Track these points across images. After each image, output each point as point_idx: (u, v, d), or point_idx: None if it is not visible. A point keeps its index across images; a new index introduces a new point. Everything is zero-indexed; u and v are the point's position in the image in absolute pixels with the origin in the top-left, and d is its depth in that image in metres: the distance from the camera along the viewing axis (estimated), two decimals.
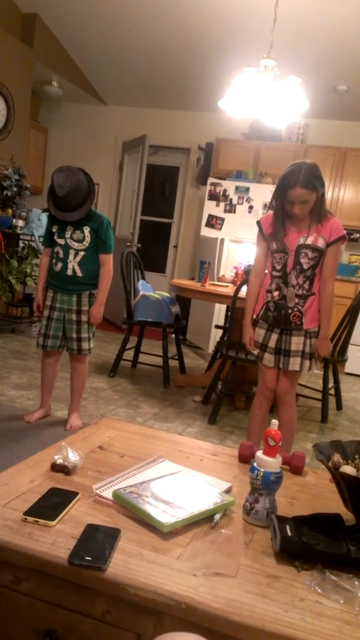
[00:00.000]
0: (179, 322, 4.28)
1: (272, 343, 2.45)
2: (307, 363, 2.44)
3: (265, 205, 5.59)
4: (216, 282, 4.27)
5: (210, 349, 5.58)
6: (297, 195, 2.23)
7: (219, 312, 5.53)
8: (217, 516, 1.17)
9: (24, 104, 5.57)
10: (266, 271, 2.51)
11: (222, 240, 5.74)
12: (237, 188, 5.76)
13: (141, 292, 4.17)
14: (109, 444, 1.54)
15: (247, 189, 5.73)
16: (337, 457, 1.26)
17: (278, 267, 2.41)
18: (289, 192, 2.24)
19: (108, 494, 1.19)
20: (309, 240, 2.33)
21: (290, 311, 2.38)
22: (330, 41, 4.69)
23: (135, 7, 4.83)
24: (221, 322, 5.62)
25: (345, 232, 2.39)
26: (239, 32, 4.80)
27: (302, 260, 2.35)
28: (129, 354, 4.43)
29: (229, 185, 5.79)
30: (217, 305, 5.45)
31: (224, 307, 5.55)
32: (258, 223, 2.49)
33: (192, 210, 6.68)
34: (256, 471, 1.19)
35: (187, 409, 3.60)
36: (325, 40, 4.69)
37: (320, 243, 2.34)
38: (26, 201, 5.28)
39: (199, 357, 5.41)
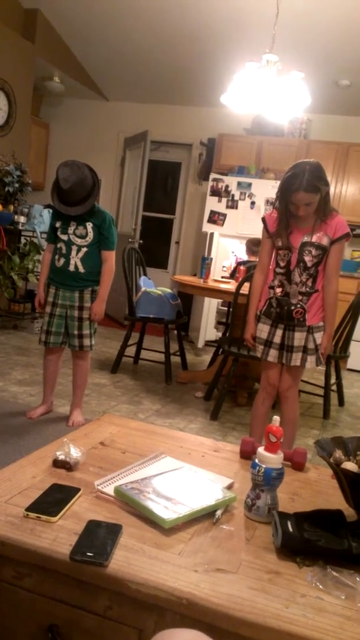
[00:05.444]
0: (180, 318, 4.28)
1: (277, 339, 2.44)
2: (311, 359, 2.44)
3: (267, 201, 5.58)
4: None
5: (201, 344, 5.59)
6: (301, 199, 2.23)
7: (209, 308, 5.54)
8: (219, 512, 1.17)
9: (25, 99, 5.56)
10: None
11: (212, 234, 5.74)
12: (239, 184, 5.74)
13: (143, 289, 4.17)
14: (110, 440, 1.54)
15: (250, 185, 5.71)
16: (338, 454, 1.26)
17: (282, 264, 2.40)
18: (293, 196, 2.23)
19: (110, 490, 1.19)
20: (313, 238, 2.33)
21: (293, 307, 2.37)
22: (333, 36, 4.66)
23: (137, 2, 4.81)
24: (212, 318, 5.64)
25: (349, 229, 2.38)
26: (241, 26, 4.78)
27: (306, 258, 2.34)
28: (131, 350, 4.43)
29: (231, 181, 5.77)
30: (206, 302, 5.47)
31: (214, 305, 5.58)
32: (263, 220, 2.48)
33: (194, 206, 6.67)
34: (258, 467, 1.19)
35: (189, 405, 3.60)
36: (327, 35, 4.66)
37: (325, 241, 2.33)
38: (28, 197, 5.27)
39: (194, 352, 5.41)
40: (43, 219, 5.08)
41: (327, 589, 0.96)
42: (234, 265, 5.38)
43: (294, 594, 0.94)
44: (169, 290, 4.31)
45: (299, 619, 0.88)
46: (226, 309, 5.39)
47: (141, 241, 6.13)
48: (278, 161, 5.75)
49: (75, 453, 1.32)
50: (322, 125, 6.05)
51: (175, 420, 3.27)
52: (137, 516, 1.12)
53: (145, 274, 4.50)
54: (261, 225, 2.50)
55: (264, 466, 1.18)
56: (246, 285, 3.08)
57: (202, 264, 4.18)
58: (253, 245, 4.90)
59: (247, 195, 5.72)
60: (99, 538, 1.01)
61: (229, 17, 4.71)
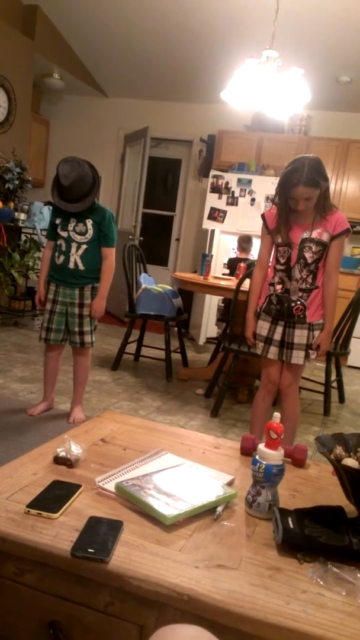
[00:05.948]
0: (181, 315, 4.27)
1: (277, 336, 2.44)
2: (312, 354, 2.44)
3: (267, 198, 5.57)
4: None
5: (201, 341, 5.60)
6: (300, 194, 2.22)
7: (210, 305, 5.56)
8: (220, 509, 1.17)
9: (25, 96, 5.55)
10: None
11: (213, 231, 5.74)
12: (239, 180, 5.73)
13: (143, 286, 4.17)
14: (111, 436, 1.54)
15: (250, 181, 5.70)
16: (339, 450, 1.26)
17: (282, 261, 2.40)
18: (292, 190, 2.23)
19: (111, 486, 1.20)
20: (313, 234, 2.32)
21: (293, 304, 2.37)
22: (333, 32, 4.65)
23: None
24: (213, 315, 5.65)
25: (349, 225, 2.37)
26: (241, 22, 4.76)
27: (306, 254, 2.34)
28: (131, 347, 4.43)
29: (231, 178, 5.76)
30: (207, 299, 5.48)
31: (215, 302, 5.59)
32: (262, 217, 2.47)
33: (194, 203, 6.66)
34: (258, 464, 1.19)
35: (189, 402, 3.60)
36: (328, 31, 4.65)
37: (325, 237, 2.32)
38: (28, 194, 5.27)
39: (194, 349, 5.41)
40: (43, 216, 5.07)
41: (328, 585, 0.96)
42: (227, 260, 5.41)
43: (294, 590, 0.95)
44: (169, 287, 4.30)
45: (299, 615, 0.88)
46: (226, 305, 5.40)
47: (141, 238, 6.12)
48: (278, 158, 5.74)
49: (76, 450, 1.32)
50: (323, 122, 6.03)
51: (175, 417, 3.28)
52: (138, 512, 1.13)
53: (145, 271, 4.49)
54: (261, 221, 2.49)
55: (264, 463, 1.19)
56: (247, 282, 3.08)
57: (203, 261, 4.17)
58: (243, 242, 4.94)
59: (247, 192, 5.71)
60: (100, 534, 1.01)
61: (229, 13, 4.69)
